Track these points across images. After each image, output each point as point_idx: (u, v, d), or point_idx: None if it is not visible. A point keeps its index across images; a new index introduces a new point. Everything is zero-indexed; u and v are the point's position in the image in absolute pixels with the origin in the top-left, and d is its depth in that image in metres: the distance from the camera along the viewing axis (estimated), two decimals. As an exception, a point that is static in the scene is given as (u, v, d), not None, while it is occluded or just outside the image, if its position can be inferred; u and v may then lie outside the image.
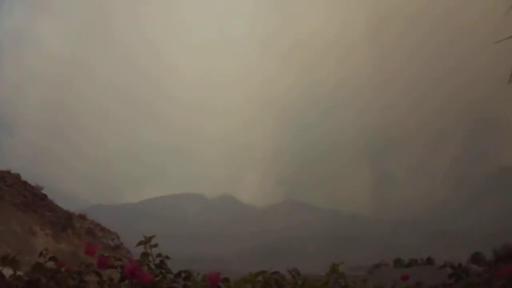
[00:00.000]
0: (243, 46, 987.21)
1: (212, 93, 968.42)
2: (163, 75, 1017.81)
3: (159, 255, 3.92)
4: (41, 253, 3.73)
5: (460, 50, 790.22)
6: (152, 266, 3.88)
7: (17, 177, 39.01)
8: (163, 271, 3.80)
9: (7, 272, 3.40)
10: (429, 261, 70.36)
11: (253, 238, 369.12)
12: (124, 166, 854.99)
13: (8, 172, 38.81)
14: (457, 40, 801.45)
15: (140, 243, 3.93)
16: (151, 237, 3.96)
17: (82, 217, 42.94)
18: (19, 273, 3.43)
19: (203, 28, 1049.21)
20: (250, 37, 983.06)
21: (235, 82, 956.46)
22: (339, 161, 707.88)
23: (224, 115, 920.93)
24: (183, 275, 3.65)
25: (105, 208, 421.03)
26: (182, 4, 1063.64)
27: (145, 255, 3.93)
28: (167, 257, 3.92)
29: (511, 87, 4.88)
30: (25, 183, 39.06)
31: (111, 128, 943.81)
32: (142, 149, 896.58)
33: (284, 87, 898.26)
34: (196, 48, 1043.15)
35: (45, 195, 39.85)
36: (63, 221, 38.46)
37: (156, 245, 3.96)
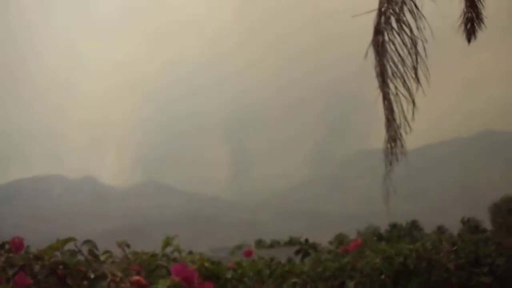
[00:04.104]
0: (109, 24, 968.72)
1: (76, 70, 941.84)
2: (27, 54, 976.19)
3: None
4: None
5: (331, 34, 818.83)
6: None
7: None
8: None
9: None
10: (291, 242, 72.79)
11: (114, 219, 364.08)
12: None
13: None
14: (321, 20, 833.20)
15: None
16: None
17: None
18: None
19: (69, 7, 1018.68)
20: (116, 15, 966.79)
21: (99, 60, 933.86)
22: (201, 142, 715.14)
23: (85, 93, 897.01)
24: (6, 246, 3.46)
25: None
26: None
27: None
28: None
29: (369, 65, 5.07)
30: None
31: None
32: (5, 129, 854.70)
33: (148, 65, 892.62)
34: (61, 27, 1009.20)
35: None
36: None
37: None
